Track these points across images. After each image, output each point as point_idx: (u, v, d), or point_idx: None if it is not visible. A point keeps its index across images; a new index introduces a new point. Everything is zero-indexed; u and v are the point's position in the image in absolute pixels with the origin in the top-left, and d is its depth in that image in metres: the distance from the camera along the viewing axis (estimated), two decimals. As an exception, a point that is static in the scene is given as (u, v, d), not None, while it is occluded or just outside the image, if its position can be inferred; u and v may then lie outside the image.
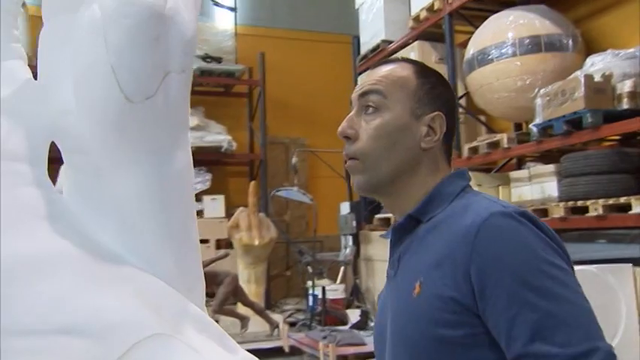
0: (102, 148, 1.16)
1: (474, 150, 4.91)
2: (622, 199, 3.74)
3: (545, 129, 4.22)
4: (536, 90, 4.54)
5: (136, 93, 1.14)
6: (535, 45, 4.58)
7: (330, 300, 5.84)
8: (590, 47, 4.82)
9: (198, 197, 7.31)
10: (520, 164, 5.22)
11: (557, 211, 4.13)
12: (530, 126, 4.33)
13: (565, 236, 4.37)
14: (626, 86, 3.98)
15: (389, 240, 1.23)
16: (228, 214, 6.88)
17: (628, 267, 3.73)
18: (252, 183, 6.66)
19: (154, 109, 1.18)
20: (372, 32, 6.53)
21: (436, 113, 1.18)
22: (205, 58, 7.53)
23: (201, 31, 7.63)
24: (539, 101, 4.24)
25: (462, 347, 1.02)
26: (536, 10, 4.81)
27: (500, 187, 4.69)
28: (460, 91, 5.29)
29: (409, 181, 1.17)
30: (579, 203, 3.99)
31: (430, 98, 1.20)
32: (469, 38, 5.22)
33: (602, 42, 4.85)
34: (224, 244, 6.85)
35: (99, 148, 1.16)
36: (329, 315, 5.66)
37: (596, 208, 3.88)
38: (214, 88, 7.96)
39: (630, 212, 3.70)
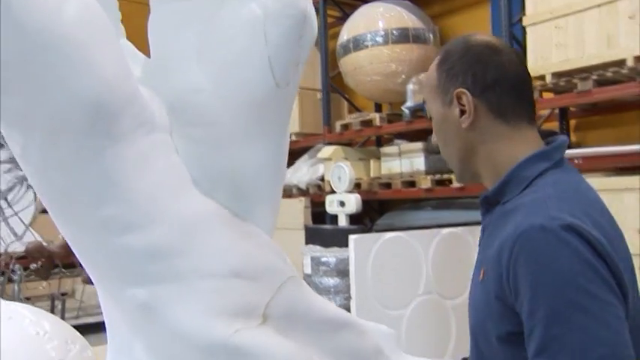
0: (235, 123, 1.37)
1: (346, 126, 5.40)
2: (481, 173, 4.47)
3: (416, 111, 4.83)
4: (403, 76, 5.15)
5: (283, 80, 1.39)
6: (404, 36, 5.15)
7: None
8: (445, 42, 5.53)
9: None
10: (381, 142, 5.81)
11: (425, 183, 4.77)
12: (403, 107, 4.91)
13: (429, 204, 5.07)
14: (482, 78, 4.71)
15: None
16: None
17: (479, 228, 4.47)
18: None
19: (288, 93, 1.44)
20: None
21: (457, 91, 1.19)
22: None
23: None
24: (410, 86, 4.83)
25: (502, 340, 1.05)
26: (402, 5, 5.39)
27: (371, 161, 5.24)
28: (331, 72, 5.73)
29: (476, 160, 1.22)
30: (445, 176, 4.67)
31: (449, 82, 1.22)
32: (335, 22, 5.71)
33: (455, 37, 5.58)
34: None
35: (230, 123, 1.37)
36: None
37: (458, 180, 4.57)
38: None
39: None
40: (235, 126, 1.36)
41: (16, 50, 0.97)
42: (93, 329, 2.77)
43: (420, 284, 4.05)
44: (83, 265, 1.24)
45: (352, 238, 3.68)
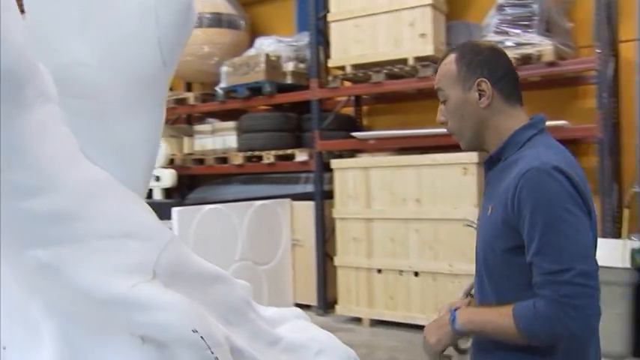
0: (121, 98, 1.44)
1: (158, 104, 5.33)
2: (289, 151, 4.76)
3: (229, 92, 4.96)
4: (216, 58, 5.24)
5: (170, 60, 1.49)
6: (217, 21, 5.23)
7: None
8: (254, 29, 5.72)
9: None
10: (192, 120, 5.84)
11: (237, 160, 4.95)
12: (216, 88, 5.01)
13: (239, 179, 5.25)
14: (290, 66, 5.00)
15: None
16: None
17: (287, 201, 4.80)
18: None
19: (170, 71, 1.54)
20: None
21: (478, 80, 1.42)
22: None
23: None
24: (224, 69, 4.94)
25: (509, 253, 1.35)
26: (216, -9, 5.45)
27: (185, 138, 5.26)
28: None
29: (488, 133, 1.45)
30: (256, 153, 4.88)
31: (470, 72, 1.43)
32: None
33: (263, 26, 5.79)
34: None
35: (116, 98, 1.44)
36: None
37: (268, 157, 4.82)
38: None
39: (295, 160, 4.74)
40: (121, 100, 1.41)
41: None
42: None
43: (236, 252, 4.24)
44: (-22, 229, 1.21)
45: (175, 210, 3.73)
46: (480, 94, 1.42)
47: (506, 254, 1.36)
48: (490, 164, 1.50)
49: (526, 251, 1.31)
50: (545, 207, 1.28)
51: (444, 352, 1.47)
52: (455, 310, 1.45)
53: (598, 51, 3.62)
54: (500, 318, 1.33)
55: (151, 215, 1.46)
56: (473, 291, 1.62)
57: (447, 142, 4.33)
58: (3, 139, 1.08)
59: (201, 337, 1.29)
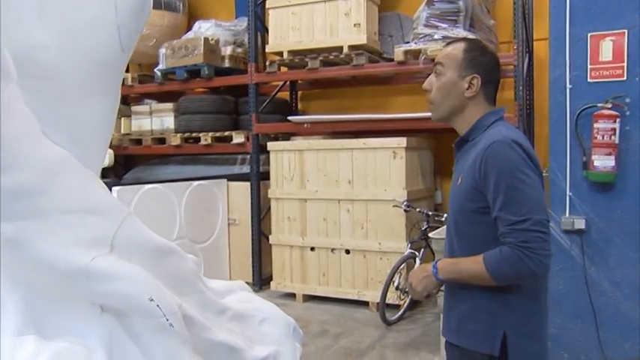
0: (79, 80, 1.49)
1: (95, 83, 5.22)
2: (226, 133, 4.80)
3: (167, 74, 4.92)
4: (154, 40, 5.18)
5: (128, 46, 1.55)
6: (156, 2, 5.15)
7: None
8: (193, 13, 5.67)
9: None
10: (128, 100, 5.74)
11: (175, 140, 4.93)
12: (155, 70, 4.96)
13: (175, 159, 5.23)
14: (228, 50, 5.01)
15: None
16: None
17: (224, 181, 4.85)
18: None
19: (127, 57, 1.60)
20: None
21: (473, 75, 1.65)
22: None
23: None
24: (163, 51, 4.90)
25: (477, 213, 1.58)
26: (153, -29, 5.36)
27: (122, 119, 5.18)
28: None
29: (461, 116, 1.68)
30: (194, 135, 4.88)
31: (470, 66, 1.66)
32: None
33: (202, 10, 5.75)
34: None
35: (74, 80, 1.48)
36: None
37: (206, 139, 4.84)
38: None
39: (232, 142, 4.78)
40: (79, 83, 1.45)
41: None
42: None
43: (175, 231, 4.26)
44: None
45: (115, 189, 3.71)
46: (469, 86, 1.65)
47: (474, 214, 1.59)
48: (459, 145, 1.74)
49: (491, 209, 1.54)
50: (507, 171, 1.52)
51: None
52: (435, 262, 1.66)
53: (515, 47, 3.86)
54: (473, 265, 1.56)
55: (107, 192, 1.51)
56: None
57: (378, 127, 4.52)
58: (-32, 118, 1.11)
59: (157, 305, 1.36)
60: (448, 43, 1.77)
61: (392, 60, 4.50)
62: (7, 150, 1.19)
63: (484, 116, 1.67)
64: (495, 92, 1.73)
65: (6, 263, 1.27)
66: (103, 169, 4.97)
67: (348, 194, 4.36)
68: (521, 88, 3.87)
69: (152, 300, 1.38)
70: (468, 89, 1.65)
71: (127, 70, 5.73)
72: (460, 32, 4.00)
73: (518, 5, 3.87)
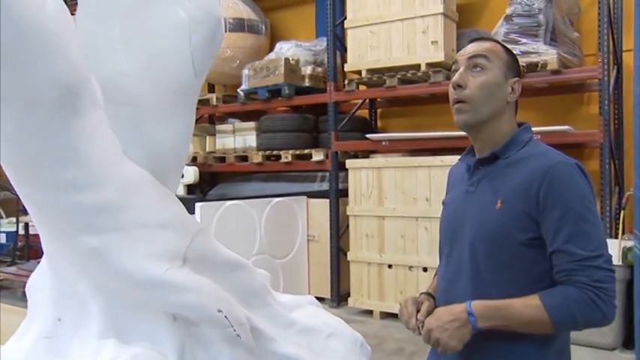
0: (157, 105, 1.59)
1: (183, 104, 5.50)
2: (306, 151, 4.91)
3: (250, 94, 5.12)
4: (237, 61, 5.40)
5: (201, 72, 1.64)
6: (239, 25, 5.39)
7: (31, 235, 5.74)
8: (275, 34, 5.87)
9: None
10: (214, 120, 6.01)
11: (257, 158, 5.10)
12: (238, 90, 5.17)
13: (257, 176, 5.40)
14: (308, 70, 5.14)
15: (466, 165, 1.52)
16: None
17: (304, 198, 4.95)
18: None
19: (200, 82, 1.69)
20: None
21: (517, 79, 1.46)
22: None
23: None
24: (246, 72, 5.10)
25: (525, 245, 1.35)
26: (237, -3, 5.61)
27: (207, 137, 5.42)
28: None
29: (496, 124, 1.44)
30: (275, 152, 5.03)
31: (514, 68, 1.46)
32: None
33: (284, 31, 5.94)
34: None
35: (153, 105, 1.59)
36: (33, 249, 5.61)
37: (287, 156, 4.97)
38: None
39: (312, 160, 4.89)
40: (157, 107, 1.57)
41: (7, 36, 1.09)
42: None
43: (255, 246, 4.39)
44: (35, 219, 1.38)
45: (199, 205, 3.90)
46: (512, 90, 1.44)
47: (521, 246, 1.35)
48: (484, 162, 1.46)
49: (549, 242, 1.32)
50: (577, 199, 1.32)
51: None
52: (469, 306, 1.35)
53: (600, 60, 3.71)
54: (528, 310, 1.30)
55: (182, 208, 1.61)
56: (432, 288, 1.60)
57: (455, 144, 4.46)
58: (61, 141, 1.23)
59: (225, 316, 1.44)
60: (474, 39, 1.50)
61: (471, 76, 4.44)
62: (93, 169, 1.31)
63: (521, 130, 1.46)
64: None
65: (90, 272, 1.39)
66: (189, 186, 5.23)
67: (425, 212, 4.33)
68: (607, 102, 3.71)
69: (220, 311, 1.46)
70: (510, 93, 1.44)
71: (213, 91, 6.01)
72: (541, 46, 3.91)
73: (603, 16, 3.73)
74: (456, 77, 1.44)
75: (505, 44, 1.57)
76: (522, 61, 3.91)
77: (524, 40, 4.00)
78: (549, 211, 1.32)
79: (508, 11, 4.11)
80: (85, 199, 1.33)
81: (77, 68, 1.29)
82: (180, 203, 1.64)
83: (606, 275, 1.28)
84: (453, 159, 4.34)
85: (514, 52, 1.52)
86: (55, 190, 1.30)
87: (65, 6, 1.28)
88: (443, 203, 1.62)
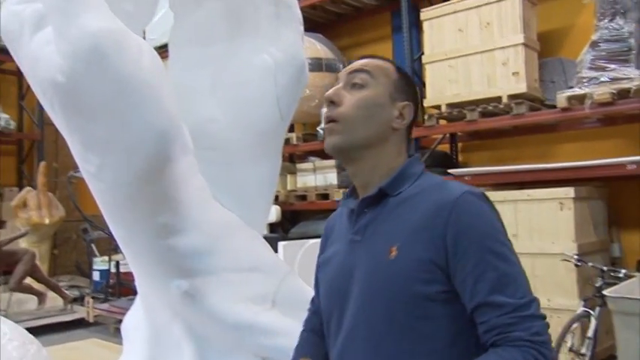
0: (245, 148, 1.62)
1: (264, 144, 5.63)
2: (386, 188, 4.87)
3: (329, 132, 5.16)
4: (316, 100, 5.47)
5: (287, 114, 1.66)
6: (317, 65, 5.48)
7: (122, 273, 5.98)
8: (353, 72, 5.92)
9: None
10: (294, 158, 6.09)
11: (338, 195, 5.11)
12: (318, 128, 5.23)
13: (338, 214, 5.39)
14: (386, 106, 5.14)
15: (348, 210, 1.24)
16: (-5, 193, 6.58)
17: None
18: (43, 163, 6.36)
19: (286, 124, 1.71)
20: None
21: (407, 102, 1.21)
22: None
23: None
24: (324, 110, 5.15)
25: (433, 301, 1.07)
26: (315, 37, 5.72)
27: (288, 175, 5.50)
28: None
29: (377, 153, 1.19)
30: (355, 190, 5.02)
31: (405, 91, 1.22)
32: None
33: (361, 69, 5.98)
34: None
35: (241, 148, 1.62)
36: (123, 287, 5.82)
37: (367, 193, 4.95)
38: (-18, 65, 7.22)
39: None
40: (244, 151, 1.60)
41: (108, 91, 1.15)
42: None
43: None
44: (130, 261, 1.42)
45: (282, 244, 3.93)
46: (399, 115, 1.20)
47: (427, 303, 1.07)
48: (370, 202, 1.18)
49: (468, 295, 1.05)
50: (493, 235, 1.07)
51: None
52: None
53: (700, 84, 3.49)
54: None
55: (270, 251, 1.62)
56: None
57: (542, 177, 4.28)
58: (155, 188, 1.28)
59: (316, 361, 1.41)
60: (364, 56, 1.29)
61: (555, 107, 4.29)
62: (185, 214, 1.35)
63: (412, 162, 1.20)
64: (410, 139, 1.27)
65: (183, 315, 1.42)
66: (271, 225, 5.29)
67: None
68: None
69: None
70: (397, 118, 1.20)
71: (292, 130, 6.11)
72: (632, 72, 3.72)
73: (700, 39, 3.52)
74: (329, 92, 1.23)
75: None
76: (612, 87, 3.73)
77: (612, 66, 3.82)
78: (462, 256, 1.05)
79: (594, 37, 3.95)
80: (177, 243, 1.36)
81: (171, 117, 1.34)
82: (268, 245, 1.65)
83: (542, 325, 1.05)
84: (540, 192, 4.20)
85: (409, 79, 1.29)
86: (150, 235, 1.35)
87: (159, 57, 1.34)
88: (318, 266, 1.34)
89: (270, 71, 1.50)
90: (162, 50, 4.05)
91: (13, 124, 6.79)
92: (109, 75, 1.18)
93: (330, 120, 1.20)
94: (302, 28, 1.65)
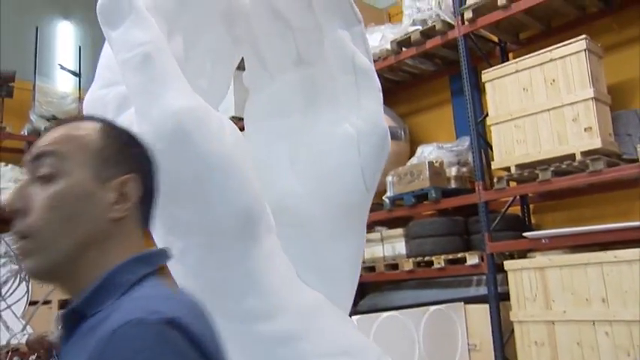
0: (329, 223, 1.52)
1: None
2: (459, 255, 4.66)
3: (395, 200, 5.05)
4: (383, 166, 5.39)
5: (371, 185, 1.55)
6: (379, 134, 5.44)
7: None
8: (415, 139, 5.86)
9: (40, 258, 6.83)
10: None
11: (407, 265, 4.92)
12: (384, 198, 5.12)
13: (408, 284, 5.19)
14: (452, 171, 5.01)
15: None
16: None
17: (461, 305, 4.63)
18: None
19: (372, 196, 1.60)
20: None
21: (128, 176, 0.91)
22: (50, 119, 7.22)
23: (46, 94, 7.32)
24: (390, 179, 5.07)
25: None
26: (375, 107, 5.71)
27: (355, 246, 5.37)
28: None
29: (95, 261, 0.87)
30: (426, 259, 4.83)
31: (120, 158, 0.92)
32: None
33: (423, 134, 5.92)
34: None
35: (325, 224, 1.52)
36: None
37: (439, 262, 4.75)
38: (55, 150, 7.51)
39: (466, 264, 4.62)
40: (329, 226, 1.51)
41: (191, 170, 1.10)
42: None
43: (415, 358, 4.12)
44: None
45: (355, 318, 3.76)
46: (119, 198, 0.90)
47: None
48: (65, 326, 0.86)
49: None
50: None
51: None
52: None
53: None
54: None
55: (358, 332, 1.49)
56: None
57: (627, 237, 4.00)
58: (240, 270, 1.19)
59: None
60: (56, 124, 0.95)
61: (634, 161, 4.05)
62: (271, 298, 1.25)
63: (123, 267, 0.86)
64: (152, 212, 0.95)
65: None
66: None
67: (603, 314, 3.83)
68: None
69: None
70: (116, 204, 0.89)
71: (357, 200, 6.02)
72: None
73: None
74: (10, 196, 0.89)
75: (108, 122, 0.96)
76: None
77: (697, 117, 3.59)
78: None
79: (672, 88, 3.75)
80: (264, 329, 1.26)
81: (256, 195, 1.27)
82: (356, 325, 1.52)
83: None
84: (629, 253, 3.91)
85: (130, 137, 0.96)
86: (235, 320, 1.25)
87: (240, 132, 1.29)
88: None
89: (353, 141, 1.42)
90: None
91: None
92: (191, 154, 1.12)
93: (20, 236, 0.86)
94: (381, 95, 1.58)
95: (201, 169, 1.14)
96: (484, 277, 4.59)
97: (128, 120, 1.10)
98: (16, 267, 6.71)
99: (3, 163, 6.95)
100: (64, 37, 8.30)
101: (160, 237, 1.20)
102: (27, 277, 6.82)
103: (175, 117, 1.08)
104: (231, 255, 1.19)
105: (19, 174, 7.08)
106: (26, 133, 7.18)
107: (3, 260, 6.57)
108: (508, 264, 4.33)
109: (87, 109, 1.17)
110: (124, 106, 1.13)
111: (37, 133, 7.28)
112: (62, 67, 7.50)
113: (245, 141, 1.28)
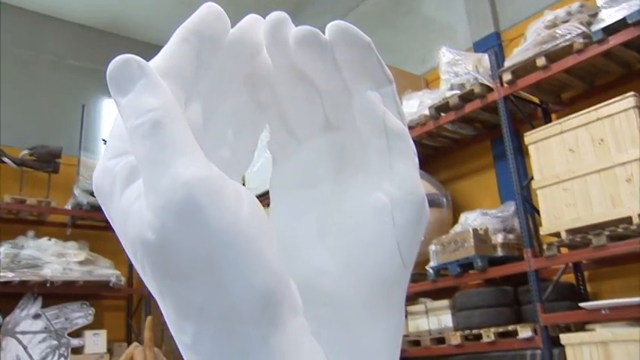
0: (362, 303, 1.35)
1: (370, 286, 5.34)
2: (510, 327, 4.36)
3: (439, 270, 4.82)
4: (422, 238, 5.19)
5: (409, 260, 1.38)
6: (420, 201, 5.28)
7: None
8: (457, 206, 5.67)
9: (79, 332, 6.78)
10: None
11: (455, 339, 4.63)
12: (427, 268, 4.90)
13: (457, 359, 4.87)
14: (498, 238, 4.78)
15: None
16: (107, 349, 6.57)
17: (515, 384, 4.29)
18: (150, 318, 6.35)
19: (409, 272, 1.42)
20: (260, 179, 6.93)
21: None
22: (93, 193, 7.34)
23: (90, 168, 7.49)
24: (433, 248, 4.86)
25: None
26: (415, 173, 5.58)
27: (398, 319, 5.11)
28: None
29: None
30: (474, 332, 4.54)
31: None
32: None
33: (466, 201, 5.73)
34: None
35: (358, 303, 1.35)
36: None
37: (488, 335, 4.45)
38: (98, 222, 7.63)
39: (518, 337, 4.31)
40: (363, 305, 1.34)
41: (203, 247, 0.98)
42: None
43: None
44: None
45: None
46: None
47: None
48: None
49: None
50: None
51: None
52: None
53: None
54: None
55: None
56: None
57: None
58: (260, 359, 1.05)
59: None
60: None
61: (700, 223, 3.76)
62: (299, 390, 1.10)
63: None
64: None
65: None
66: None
67: (678, 395, 3.46)
68: None
69: None
70: None
71: (399, 270, 5.79)
72: None
73: None
74: None
75: None
76: None
77: None
78: None
79: None
80: None
81: (277, 273, 1.15)
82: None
83: None
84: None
85: None
86: (257, 418, 1.10)
87: (259, 205, 1.18)
88: None
89: (387, 211, 1.27)
90: (263, 198, 4.02)
91: (123, 280, 6.98)
92: (203, 229, 0.98)
93: None
94: (417, 159, 1.42)
95: (215, 246, 1.00)
96: (539, 352, 4.25)
97: (137, 192, 0.99)
98: (55, 342, 6.67)
99: (47, 237, 7.04)
100: (109, 114, 8.57)
101: (172, 322, 1.06)
102: (65, 353, 6.76)
103: (186, 187, 0.96)
104: (249, 343, 1.04)
105: (62, 248, 7.16)
106: (70, 207, 7.30)
107: (43, 335, 6.54)
108: (565, 337, 4.00)
109: (95, 181, 1.09)
110: (133, 176, 1.03)
111: (79, 207, 7.41)
112: (105, 142, 7.73)
113: (264, 214, 1.15)
